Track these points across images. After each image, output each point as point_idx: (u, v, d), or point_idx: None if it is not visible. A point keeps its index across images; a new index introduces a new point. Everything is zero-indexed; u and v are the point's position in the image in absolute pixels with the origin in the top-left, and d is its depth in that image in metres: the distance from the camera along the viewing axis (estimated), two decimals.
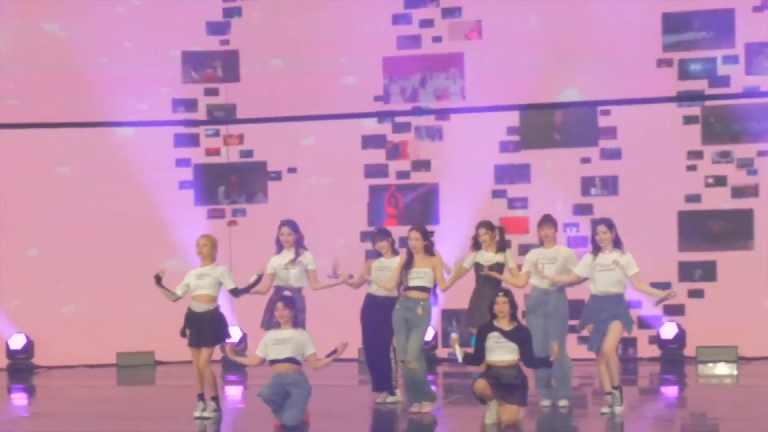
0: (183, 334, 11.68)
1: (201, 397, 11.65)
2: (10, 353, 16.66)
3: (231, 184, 17.28)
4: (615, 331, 11.22)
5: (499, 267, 12.01)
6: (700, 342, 15.49)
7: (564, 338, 11.71)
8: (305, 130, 17.03)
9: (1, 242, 16.82)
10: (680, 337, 15.56)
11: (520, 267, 11.96)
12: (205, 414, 11.59)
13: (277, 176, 17.13)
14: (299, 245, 12.15)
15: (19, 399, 14.88)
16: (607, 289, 11.26)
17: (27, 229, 16.81)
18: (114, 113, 16.95)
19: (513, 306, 10.95)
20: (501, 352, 10.86)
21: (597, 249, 11.35)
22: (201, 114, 17.29)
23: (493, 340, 10.87)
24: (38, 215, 16.82)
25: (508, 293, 11.08)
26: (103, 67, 16.85)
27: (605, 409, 11.23)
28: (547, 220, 11.91)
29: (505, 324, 10.94)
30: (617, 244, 11.35)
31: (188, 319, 11.68)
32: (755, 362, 15.17)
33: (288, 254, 12.14)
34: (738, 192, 15.88)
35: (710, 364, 15.19)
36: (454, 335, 11.00)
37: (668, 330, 15.57)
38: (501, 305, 10.95)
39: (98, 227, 16.74)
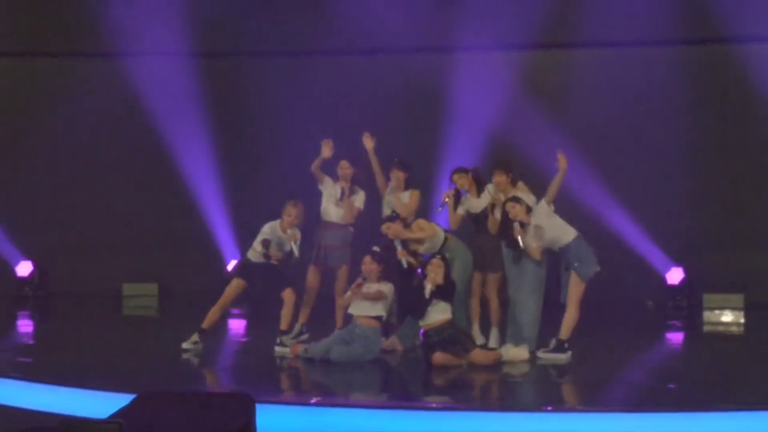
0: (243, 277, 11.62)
1: (202, 331, 11.60)
2: (17, 281, 16.66)
3: None
4: (571, 282, 10.99)
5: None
6: (707, 289, 15.38)
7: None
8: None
9: (10, 171, 16.79)
10: (686, 283, 15.45)
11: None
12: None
13: None
14: (354, 182, 11.84)
15: (25, 326, 14.93)
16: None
17: (37, 158, 16.79)
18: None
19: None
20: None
21: None
22: None
23: None
24: (48, 144, 16.80)
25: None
26: None
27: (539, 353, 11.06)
28: (497, 166, 11.52)
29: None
30: None
31: (250, 269, 11.61)
32: (763, 310, 15.08)
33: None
34: None
35: (716, 311, 15.11)
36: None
37: (674, 276, 15.47)
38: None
39: (109, 157, 16.71)
